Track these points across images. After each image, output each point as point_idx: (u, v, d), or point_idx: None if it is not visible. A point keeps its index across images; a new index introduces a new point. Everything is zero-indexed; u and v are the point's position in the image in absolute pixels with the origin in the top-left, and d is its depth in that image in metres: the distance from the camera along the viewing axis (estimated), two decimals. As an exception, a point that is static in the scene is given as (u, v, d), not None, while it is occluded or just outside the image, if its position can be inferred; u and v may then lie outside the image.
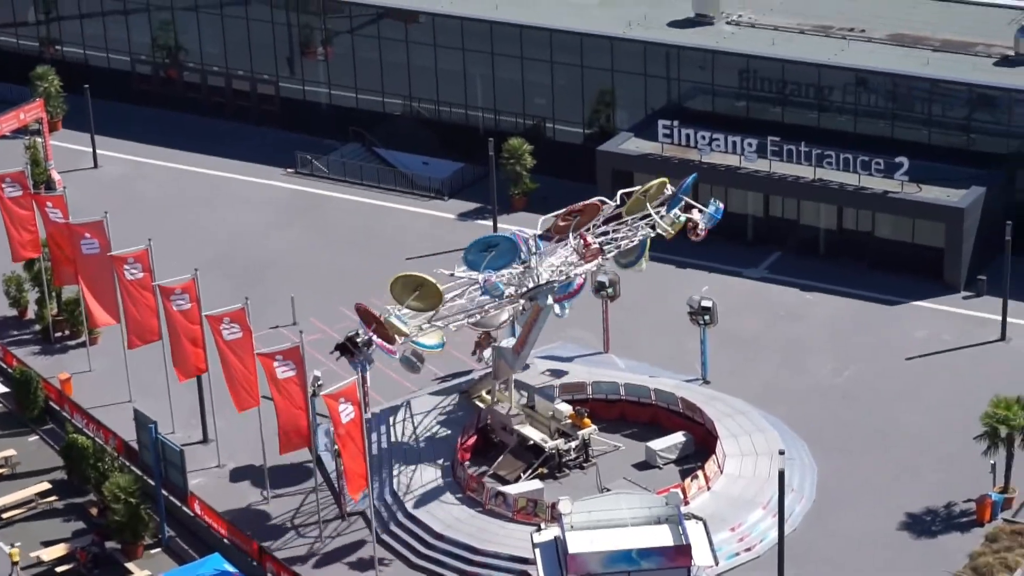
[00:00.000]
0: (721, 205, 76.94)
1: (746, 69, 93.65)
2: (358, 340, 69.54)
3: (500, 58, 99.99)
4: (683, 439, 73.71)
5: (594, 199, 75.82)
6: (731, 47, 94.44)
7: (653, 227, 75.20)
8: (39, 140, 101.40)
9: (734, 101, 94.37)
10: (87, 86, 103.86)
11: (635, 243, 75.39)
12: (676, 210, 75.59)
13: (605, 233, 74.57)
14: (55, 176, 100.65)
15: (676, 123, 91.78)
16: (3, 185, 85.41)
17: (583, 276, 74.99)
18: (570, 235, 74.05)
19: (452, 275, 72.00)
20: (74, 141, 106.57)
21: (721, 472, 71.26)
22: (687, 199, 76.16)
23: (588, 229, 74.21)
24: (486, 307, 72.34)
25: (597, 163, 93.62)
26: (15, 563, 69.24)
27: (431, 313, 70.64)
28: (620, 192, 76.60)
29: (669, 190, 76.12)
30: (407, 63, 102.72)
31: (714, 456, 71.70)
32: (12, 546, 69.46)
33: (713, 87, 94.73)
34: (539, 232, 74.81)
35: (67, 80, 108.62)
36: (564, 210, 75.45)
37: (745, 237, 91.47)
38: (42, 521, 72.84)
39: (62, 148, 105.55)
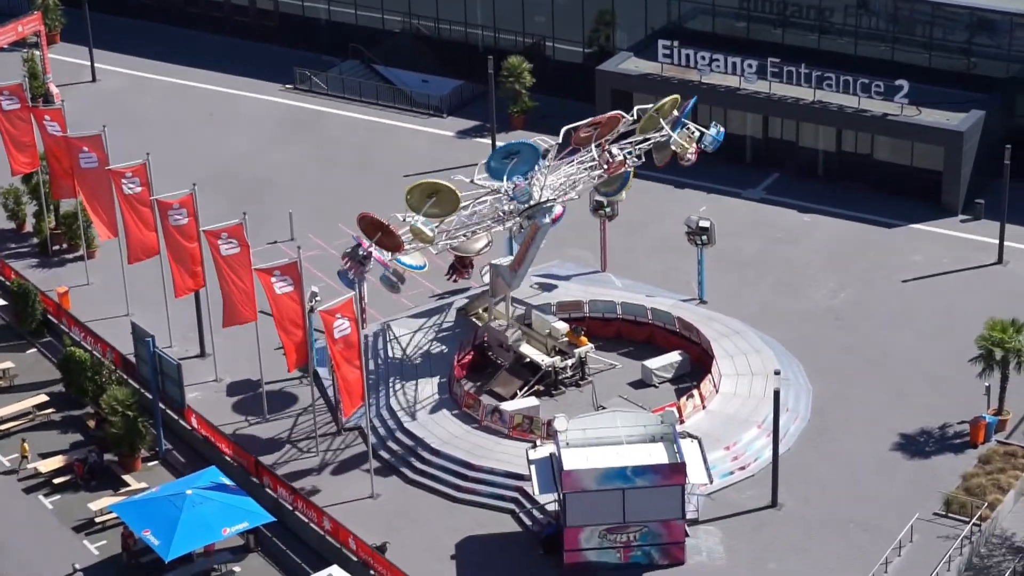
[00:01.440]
0: (722, 128, 76.89)
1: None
2: (359, 253, 69.20)
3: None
4: (679, 358, 73.93)
5: (615, 112, 75.85)
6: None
7: (666, 143, 75.74)
8: (37, 53, 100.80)
9: (734, 22, 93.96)
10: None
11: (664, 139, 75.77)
12: (689, 125, 75.67)
13: (623, 148, 74.81)
14: (53, 89, 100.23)
15: (676, 43, 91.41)
16: (1, 98, 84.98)
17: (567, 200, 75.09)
18: (592, 146, 74.16)
19: (472, 181, 72.26)
20: (72, 54, 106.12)
21: (716, 391, 71.55)
22: (687, 121, 76.22)
23: (608, 139, 74.48)
24: (490, 223, 72.38)
25: (596, 82, 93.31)
26: (24, 456, 69.99)
27: (451, 218, 70.74)
28: (636, 108, 76.66)
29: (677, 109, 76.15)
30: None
31: (710, 375, 71.96)
32: (23, 441, 70.39)
33: (713, 7, 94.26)
34: (559, 141, 74.65)
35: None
36: (586, 121, 75.48)
37: (744, 158, 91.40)
38: (40, 432, 73.12)
39: (60, 61, 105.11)
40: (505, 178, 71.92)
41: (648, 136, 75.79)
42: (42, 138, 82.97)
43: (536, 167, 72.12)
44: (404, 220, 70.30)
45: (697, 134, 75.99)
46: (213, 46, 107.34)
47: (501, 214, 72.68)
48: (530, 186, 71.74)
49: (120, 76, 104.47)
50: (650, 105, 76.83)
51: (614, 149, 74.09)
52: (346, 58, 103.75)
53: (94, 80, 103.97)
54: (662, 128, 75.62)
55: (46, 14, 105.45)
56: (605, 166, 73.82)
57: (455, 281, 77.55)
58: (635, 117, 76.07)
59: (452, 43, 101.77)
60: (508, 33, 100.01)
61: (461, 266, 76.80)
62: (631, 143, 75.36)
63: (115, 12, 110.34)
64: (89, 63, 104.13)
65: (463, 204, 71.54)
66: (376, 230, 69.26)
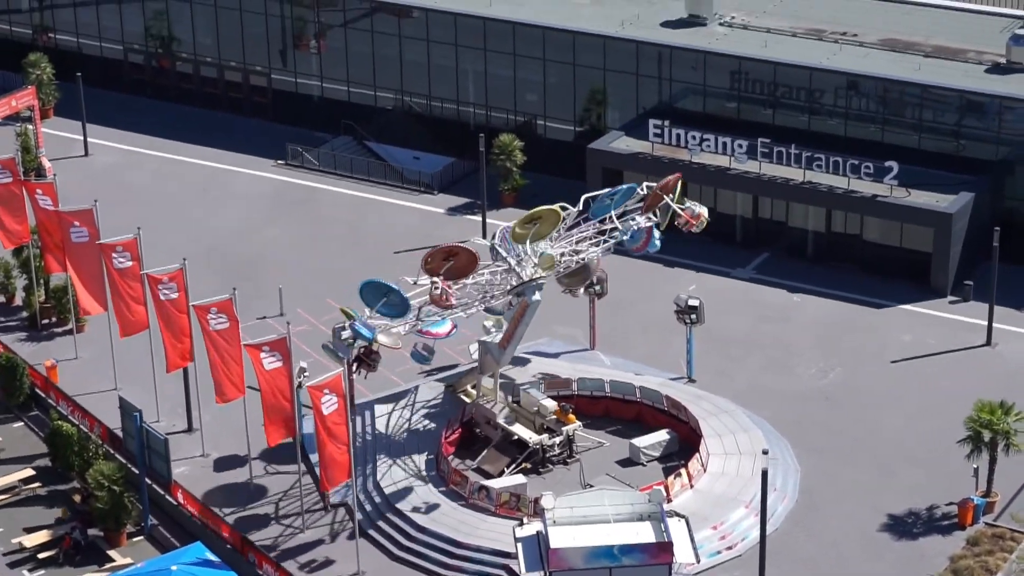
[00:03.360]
0: (657, 241, 76.32)
1: (738, 71, 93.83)
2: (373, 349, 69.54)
3: (492, 54, 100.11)
4: (667, 437, 73.83)
5: (556, 205, 74.17)
6: (723, 48, 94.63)
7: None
8: (30, 127, 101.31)
9: (725, 102, 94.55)
10: (79, 74, 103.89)
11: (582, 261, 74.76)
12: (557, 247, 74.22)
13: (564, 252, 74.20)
14: (46, 163, 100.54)
15: (667, 123, 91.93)
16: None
17: (648, 221, 75.34)
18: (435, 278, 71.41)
19: (415, 282, 71.70)
20: (65, 129, 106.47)
21: (704, 470, 71.40)
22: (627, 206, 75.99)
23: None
24: (478, 302, 72.54)
25: (587, 161, 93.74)
26: None
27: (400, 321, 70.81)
28: (584, 196, 76.03)
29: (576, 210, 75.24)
30: (400, 57, 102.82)
31: (698, 454, 71.84)
32: None
33: (705, 88, 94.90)
34: (508, 233, 74.18)
35: (59, 68, 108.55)
36: (441, 248, 72.31)
37: (734, 237, 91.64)
38: (25, 508, 72.79)
39: (53, 136, 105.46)
40: (374, 312, 70.35)
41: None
42: (34, 212, 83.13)
43: (405, 315, 70.74)
44: (414, 283, 70.61)
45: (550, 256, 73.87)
46: (206, 121, 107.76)
47: (488, 291, 72.77)
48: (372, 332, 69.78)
49: (113, 151, 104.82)
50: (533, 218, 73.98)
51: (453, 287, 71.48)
52: (338, 134, 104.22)
53: (87, 154, 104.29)
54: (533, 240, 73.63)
55: (40, 89, 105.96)
56: (433, 297, 71.08)
57: (363, 376, 72.43)
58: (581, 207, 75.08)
59: (444, 121, 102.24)
60: (500, 111, 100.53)
61: (367, 357, 71.07)
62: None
63: (109, 87, 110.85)
64: (82, 138, 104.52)
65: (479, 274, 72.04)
66: (446, 257, 70.03)
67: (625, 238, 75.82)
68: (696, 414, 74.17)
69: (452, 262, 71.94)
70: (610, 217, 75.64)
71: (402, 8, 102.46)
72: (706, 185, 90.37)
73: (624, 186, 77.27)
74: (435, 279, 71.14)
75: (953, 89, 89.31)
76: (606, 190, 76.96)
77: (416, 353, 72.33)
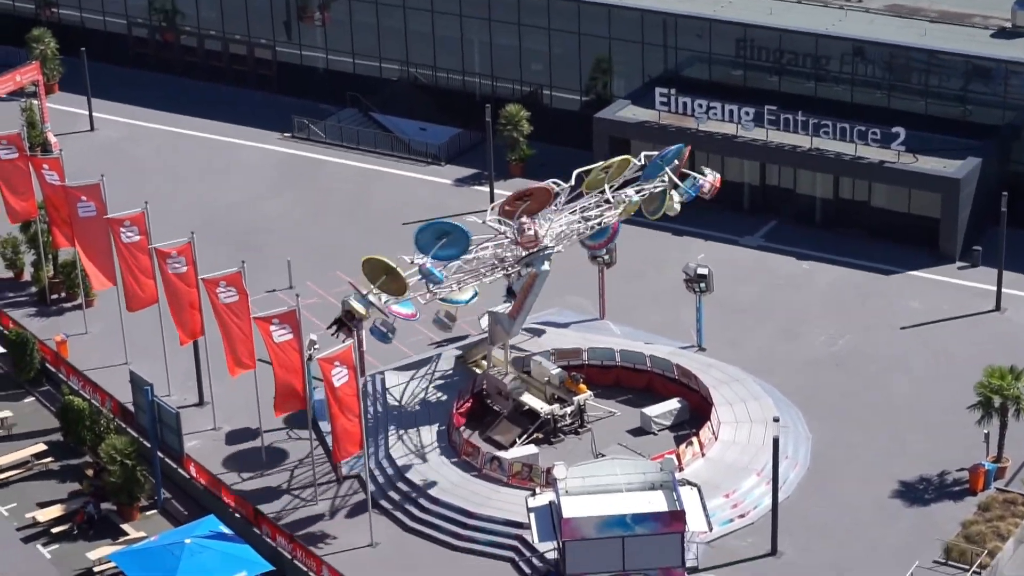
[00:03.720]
0: (703, 181, 76.66)
1: (743, 38, 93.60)
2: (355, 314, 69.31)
3: (497, 24, 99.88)
4: (678, 405, 73.92)
5: (547, 182, 73.95)
6: (728, 16, 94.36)
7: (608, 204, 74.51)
8: (35, 102, 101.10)
9: (731, 70, 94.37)
10: (84, 49, 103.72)
11: (607, 217, 74.74)
12: (631, 190, 75.15)
13: (574, 212, 74.02)
14: (51, 138, 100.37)
15: (673, 91, 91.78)
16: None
17: (616, 220, 75.06)
18: (512, 221, 72.41)
19: (412, 261, 70.74)
20: (70, 104, 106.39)
21: (716, 439, 71.49)
22: (669, 170, 75.96)
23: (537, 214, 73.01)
24: (487, 270, 72.34)
25: (594, 130, 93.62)
26: None
27: (452, 264, 70.87)
28: (577, 172, 75.93)
29: (642, 161, 75.70)
30: (404, 28, 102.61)
31: (709, 423, 71.93)
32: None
33: (710, 56, 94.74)
34: (490, 218, 73.50)
35: (63, 43, 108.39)
36: (513, 194, 73.87)
37: (742, 205, 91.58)
38: (38, 482, 72.97)
39: (58, 111, 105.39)
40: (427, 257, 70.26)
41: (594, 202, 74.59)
42: (40, 187, 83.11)
43: (466, 251, 70.86)
44: (412, 262, 70.34)
45: (636, 201, 74.95)
46: (211, 95, 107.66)
47: (498, 261, 72.75)
48: (442, 271, 70.05)
49: (118, 125, 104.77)
50: (595, 165, 76.39)
51: (527, 225, 71.86)
52: (344, 106, 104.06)
53: (92, 129, 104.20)
54: (603, 189, 74.48)
55: (44, 63, 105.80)
56: (519, 240, 72.01)
57: (340, 339, 70.15)
58: (573, 182, 74.76)
59: (450, 91, 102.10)
60: (506, 81, 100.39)
61: (349, 321, 70.22)
62: (583, 208, 74.39)
63: (113, 61, 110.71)
64: (87, 112, 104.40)
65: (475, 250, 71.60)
66: (381, 273, 69.33)
67: (690, 193, 76.29)
68: (706, 382, 74.22)
69: (528, 202, 72.28)
70: (666, 176, 75.52)
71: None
72: (713, 153, 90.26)
73: (674, 147, 76.86)
74: (523, 220, 71.58)
75: (959, 54, 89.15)
76: (433, 223, 73.11)
77: (438, 319, 73.15)
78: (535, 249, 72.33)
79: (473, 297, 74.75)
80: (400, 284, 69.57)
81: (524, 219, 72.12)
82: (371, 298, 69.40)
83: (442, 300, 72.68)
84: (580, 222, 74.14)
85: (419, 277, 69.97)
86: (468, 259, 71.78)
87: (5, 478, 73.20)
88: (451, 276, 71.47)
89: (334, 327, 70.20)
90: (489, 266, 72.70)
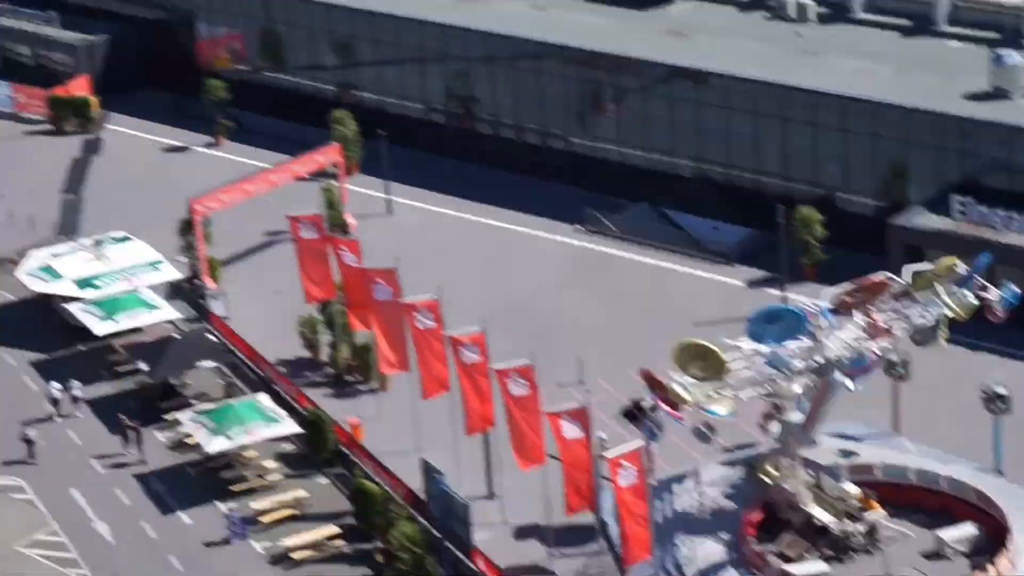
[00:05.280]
0: (1017, 289, 75.26)
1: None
2: (644, 405, 69.69)
3: (791, 124, 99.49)
4: (975, 531, 72.17)
5: (881, 275, 74.54)
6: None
7: (945, 306, 73.86)
8: (335, 183, 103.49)
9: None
10: (383, 133, 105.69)
11: (929, 322, 74.02)
12: (965, 290, 74.18)
13: (896, 311, 73.46)
14: (350, 220, 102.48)
15: (971, 199, 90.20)
16: (299, 227, 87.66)
17: (875, 352, 74.07)
18: (856, 312, 73.04)
19: (738, 346, 71.62)
20: (366, 186, 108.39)
21: (1013, 568, 69.61)
22: (979, 279, 74.65)
23: (874, 306, 73.12)
24: (774, 379, 71.83)
25: (889, 237, 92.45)
26: None
27: (716, 383, 70.48)
28: (910, 269, 75.46)
29: (962, 269, 74.78)
30: (697, 124, 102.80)
31: (1005, 549, 70.09)
32: None
33: (1011, 164, 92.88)
34: (827, 306, 73.96)
35: (363, 125, 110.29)
36: (850, 285, 74.54)
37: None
38: (330, 565, 74.29)
39: (357, 192, 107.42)
40: (764, 344, 70.46)
41: (922, 303, 73.47)
42: (338, 267, 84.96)
43: (802, 333, 70.65)
44: (740, 348, 70.76)
45: (973, 301, 73.62)
46: (504, 183, 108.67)
47: (787, 372, 71.92)
48: (790, 355, 70.17)
49: (413, 209, 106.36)
50: (925, 265, 75.43)
51: (877, 317, 72.02)
52: (636, 200, 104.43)
53: (389, 213, 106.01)
54: (935, 289, 73.48)
55: (345, 145, 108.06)
56: (870, 332, 71.89)
57: (767, 431, 73.82)
58: (908, 279, 74.15)
59: (741, 190, 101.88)
60: (799, 182, 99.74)
61: (774, 414, 73.34)
62: (905, 306, 73.46)
63: (410, 145, 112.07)
64: (384, 195, 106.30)
65: (743, 362, 70.98)
66: (657, 386, 69.46)
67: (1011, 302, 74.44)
68: (1004, 507, 72.35)
69: (863, 295, 72.14)
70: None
71: (699, 74, 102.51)
72: (1013, 266, 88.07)
73: (786, 308, 75.35)
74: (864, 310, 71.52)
75: None
76: (765, 310, 73.63)
77: (697, 430, 71.55)
78: (885, 343, 71.69)
79: (732, 414, 72.47)
80: (717, 368, 69.35)
81: (872, 310, 71.69)
82: (690, 390, 69.18)
83: (705, 411, 71.30)
84: (903, 320, 73.13)
85: (745, 366, 69.63)
86: (809, 347, 70.85)
87: (300, 558, 74.67)
88: (738, 387, 70.93)
89: (624, 417, 70.58)
90: (767, 381, 71.46)
